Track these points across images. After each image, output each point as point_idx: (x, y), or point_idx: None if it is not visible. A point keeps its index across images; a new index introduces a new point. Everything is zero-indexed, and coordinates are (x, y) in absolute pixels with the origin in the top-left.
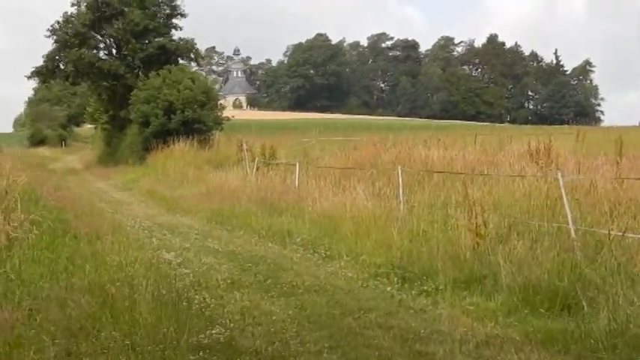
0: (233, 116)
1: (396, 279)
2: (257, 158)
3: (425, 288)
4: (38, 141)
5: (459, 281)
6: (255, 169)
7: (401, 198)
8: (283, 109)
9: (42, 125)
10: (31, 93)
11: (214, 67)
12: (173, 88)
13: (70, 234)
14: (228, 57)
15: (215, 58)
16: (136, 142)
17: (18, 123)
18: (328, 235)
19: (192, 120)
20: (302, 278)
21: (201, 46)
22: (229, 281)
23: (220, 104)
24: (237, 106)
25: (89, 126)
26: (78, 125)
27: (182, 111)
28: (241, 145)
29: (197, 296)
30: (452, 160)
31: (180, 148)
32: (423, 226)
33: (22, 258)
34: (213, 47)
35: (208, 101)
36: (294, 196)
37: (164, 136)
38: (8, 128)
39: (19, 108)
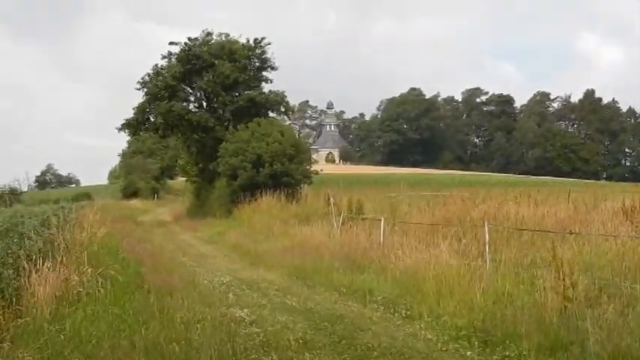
0: (322, 170)
1: (477, 342)
2: (343, 213)
3: (507, 353)
4: (131, 193)
5: (544, 347)
6: (340, 224)
7: (487, 256)
8: (376, 164)
9: (135, 177)
10: (125, 146)
11: (307, 121)
12: (262, 141)
13: (143, 289)
14: (321, 111)
15: (309, 111)
16: (224, 195)
17: (113, 175)
18: (410, 294)
19: (280, 173)
20: (379, 339)
21: (295, 100)
22: (302, 341)
23: (313, 158)
24: (329, 159)
25: (181, 178)
26: (171, 178)
27: (270, 164)
28: (328, 199)
29: (265, 357)
30: (543, 218)
31: (268, 201)
32: (509, 287)
33: (86, 314)
34: (307, 101)
35: (297, 154)
36: (377, 252)
37: (252, 189)
38: (104, 180)
39: (115, 160)
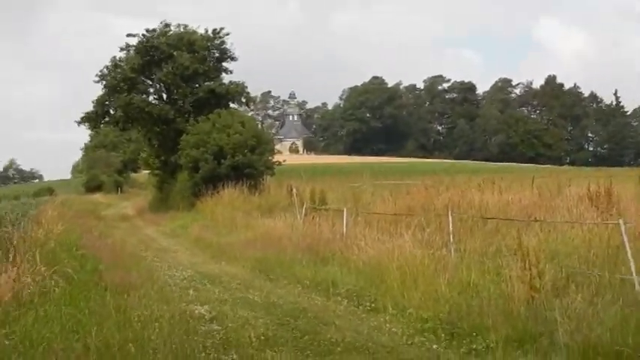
0: (284, 160)
1: (443, 335)
2: (305, 204)
3: (474, 346)
4: (94, 187)
5: (512, 339)
6: (303, 215)
7: (451, 246)
8: (339, 153)
9: (98, 171)
10: (87, 139)
11: (270, 112)
12: (223, 132)
13: (100, 287)
14: (284, 101)
15: (271, 102)
16: (186, 188)
17: (76, 169)
18: (374, 286)
19: (242, 165)
20: (343, 334)
21: (257, 91)
22: (263, 338)
23: (276, 149)
24: (293, 150)
25: (145, 172)
26: (135, 171)
27: (232, 155)
28: (291, 190)
29: (224, 356)
30: (507, 205)
31: (230, 193)
32: (474, 277)
33: (38, 316)
34: (269, 92)
35: (259, 145)
36: (340, 243)
37: (214, 181)
38: (67, 175)
39: (78, 154)
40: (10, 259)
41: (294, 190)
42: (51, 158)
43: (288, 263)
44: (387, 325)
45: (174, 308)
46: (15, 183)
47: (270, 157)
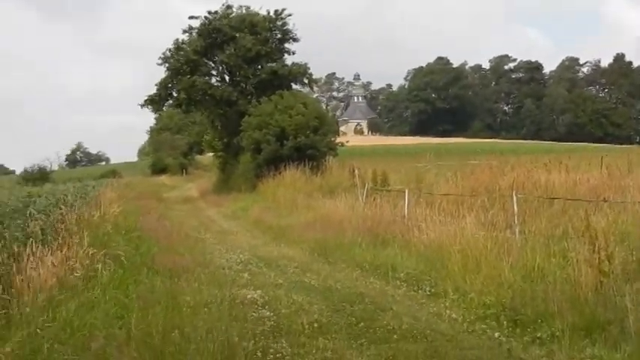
0: (347, 141)
1: (506, 322)
2: (367, 185)
3: (539, 335)
4: (159, 169)
5: (579, 327)
6: (364, 197)
7: (516, 228)
8: (405, 134)
9: (163, 154)
10: (153, 122)
11: (335, 93)
12: (285, 114)
13: (153, 270)
14: (349, 83)
15: (336, 84)
16: (249, 170)
17: (142, 152)
18: (435, 270)
19: (304, 146)
20: (400, 320)
21: (322, 73)
22: (316, 325)
23: (341, 130)
24: (358, 131)
25: (210, 154)
26: (200, 153)
27: (294, 137)
28: (353, 171)
29: (274, 344)
30: (575, 185)
31: (292, 174)
32: (539, 261)
33: (83, 300)
34: (334, 73)
35: (321, 126)
36: (401, 225)
37: (276, 162)
38: (133, 157)
39: (144, 137)
40: (60, 241)
41: (356, 171)
42: (119, 141)
43: (347, 246)
44: (447, 311)
45: (226, 293)
46: (82, 166)
47: (332, 138)
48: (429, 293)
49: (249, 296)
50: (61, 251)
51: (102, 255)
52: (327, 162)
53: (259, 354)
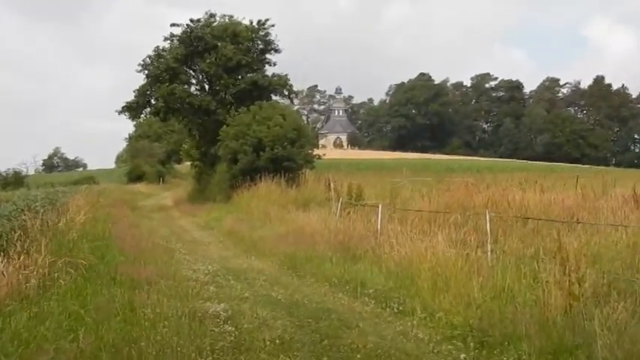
0: (324, 154)
1: (472, 344)
2: (341, 198)
3: (505, 358)
4: (136, 177)
5: (546, 351)
6: (339, 210)
7: (487, 247)
8: (384, 149)
9: (140, 161)
10: (133, 129)
11: (316, 106)
12: (263, 125)
13: (116, 280)
14: (330, 96)
15: (317, 96)
16: (224, 180)
17: (120, 159)
18: (404, 287)
19: (281, 157)
20: (365, 339)
21: (304, 85)
22: (278, 341)
23: (321, 143)
24: (337, 144)
25: (188, 163)
26: (179, 162)
27: (271, 148)
28: (329, 184)
29: None
30: (549, 205)
31: (267, 186)
32: (509, 282)
33: (36, 311)
34: (315, 86)
35: (299, 138)
36: (373, 241)
37: (252, 173)
38: (112, 164)
39: (123, 144)
40: (18, 248)
41: (332, 185)
42: (97, 148)
43: (318, 260)
44: (414, 330)
45: (189, 306)
46: (59, 171)
47: (310, 151)
48: (396, 311)
49: (211, 310)
50: (18, 258)
51: (62, 263)
52: (304, 174)
53: None
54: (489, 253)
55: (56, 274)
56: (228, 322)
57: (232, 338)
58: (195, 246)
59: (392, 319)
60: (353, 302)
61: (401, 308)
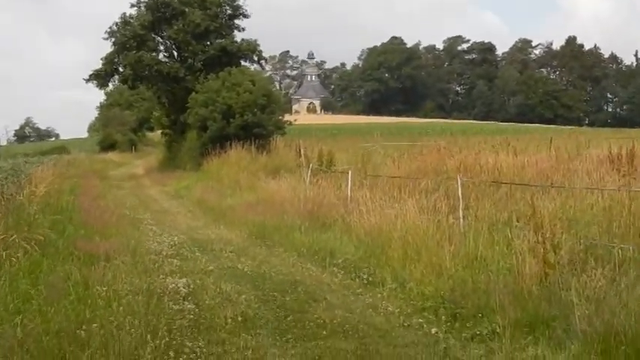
0: (295, 120)
1: (444, 317)
2: (311, 165)
3: (478, 331)
4: (108, 146)
5: (522, 323)
6: (309, 177)
7: (459, 213)
8: (357, 113)
9: (112, 130)
10: (103, 98)
11: (288, 72)
12: (232, 91)
13: (74, 255)
14: (302, 61)
15: (289, 62)
16: (194, 148)
17: (92, 128)
18: (374, 256)
19: (251, 124)
20: (333, 313)
21: (276, 51)
22: (240, 319)
23: (294, 109)
24: (311, 110)
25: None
26: (152, 130)
27: (241, 115)
28: (299, 151)
29: (189, 343)
30: (523, 168)
31: (237, 153)
32: (482, 250)
33: None
34: (288, 51)
35: (269, 104)
36: (344, 209)
37: (222, 141)
38: (84, 134)
39: (95, 113)
40: None
41: (302, 151)
42: (70, 118)
43: (287, 229)
44: (384, 302)
45: (149, 282)
46: (31, 142)
47: (280, 117)
48: (366, 282)
49: (172, 286)
50: None
51: (16, 239)
52: (274, 141)
53: (171, 354)
54: (461, 220)
55: (8, 251)
56: (189, 298)
57: (192, 316)
58: (163, 216)
59: (361, 290)
60: (321, 273)
61: (370, 279)
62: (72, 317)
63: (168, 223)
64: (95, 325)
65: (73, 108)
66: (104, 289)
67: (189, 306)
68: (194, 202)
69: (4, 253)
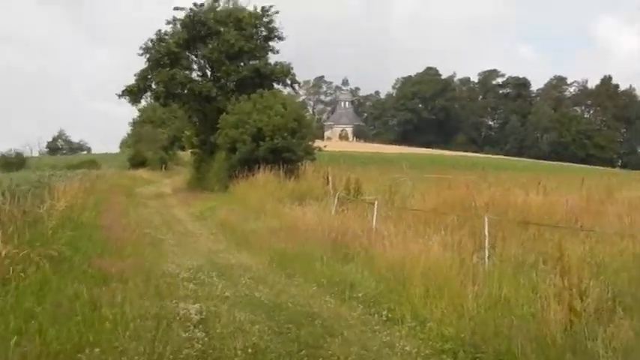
0: (325, 146)
1: None
2: (338, 193)
3: None
4: (139, 162)
5: None
6: (335, 206)
7: (485, 252)
8: (389, 142)
9: (143, 147)
10: (137, 114)
11: (322, 97)
12: (263, 114)
13: (87, 274)
14: (336, 87)
15: (324, 87)
16: (223, 169)
17: (124, 144)
18: (395, 292)
19: (281, 148)
20: (348, 350)
21: (311, 75)
22: (251, 350)
23: (326, 135)
24: (343, 137)
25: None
26: (183, 149)
27: (271, 138)
28: (327, 178)
29: None
30: (552, 207)
31: (265, 177)
32: (506, 292)
33: None
34: (322, 77)
35: (300, 129)
36: (367, 240)
37: (250, 163)
38: (116, 148)
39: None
40: None
41: (330, 178)
42: (103, 131)
43: (308, 258)
44: (402, 341)
45: (160, 305)
46: (63, 154)
47: (310, 143)
48: (385, 318)
49: (183, 312)
50: None
51: (29, 254)
52: (304, 166)
53: None
54: (486, 259)
55: (19, 266)
56: (200, 326)
57: (200, 345)
58: (185, 237)
59: (379, 327)
60: (340, 306)
61: (390, 315)
62: (75, 340)
63: (190, 245)
64: (98, 349)
65: (106, 122)
66: (113, 311)
67: (199, 334)
68: (218, 225)
69: (13, 268)
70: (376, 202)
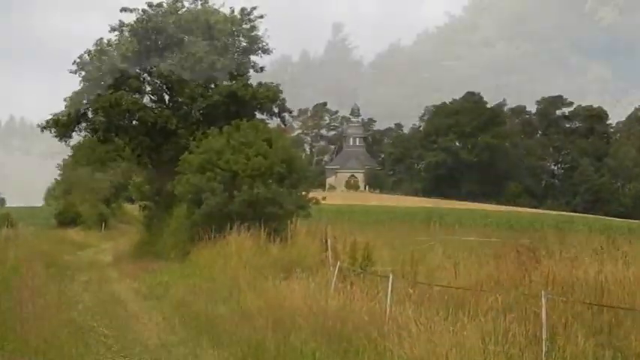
0: (324, 198)
1: None
2: (338, 263)
3: None
4: (70, 219)
5: None
6: (334, 280)
7: (542, 347)
8: (415, 194)
9: (76, 198)
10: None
11: (324, 131)
12: (240, 153)
13: None
14: (343, 118)
15: (326, 118)
16: (182, 229)
17: (51, 194)
18: None
19: (263, 200)
20: None
21: (309, 103)
22: None
23: (328, 183)
24: (351, 185)
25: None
26: (131, 201)
27: (250, 186)
28: (326, 242)
29: None
30: (637, 284)
31: (240, 240)
32: None
33: None
34: (324, 104)
35: (290, 174)
36: (378, 329)
37: (221, 221)
38: (40, 201)
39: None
40: None
41: (329, 242)
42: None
43: (295, 355)
44: None
45: None
46: None
47: (304, 193)
48: None
49: None
50: None
51: None
52: (294, 225)
53: None
54: (543, 356)
55: None
56: None
57: None
58: (127, 325)
59: None
60: None
61: None
62: None
63: (131, 337)
64: None
65: (27, 165)
66: None
67: None
68: (173, 307)
69: None
70: (391, 276)
